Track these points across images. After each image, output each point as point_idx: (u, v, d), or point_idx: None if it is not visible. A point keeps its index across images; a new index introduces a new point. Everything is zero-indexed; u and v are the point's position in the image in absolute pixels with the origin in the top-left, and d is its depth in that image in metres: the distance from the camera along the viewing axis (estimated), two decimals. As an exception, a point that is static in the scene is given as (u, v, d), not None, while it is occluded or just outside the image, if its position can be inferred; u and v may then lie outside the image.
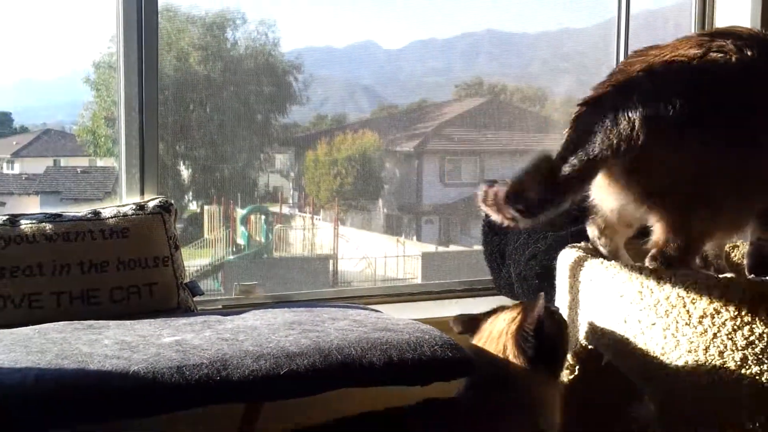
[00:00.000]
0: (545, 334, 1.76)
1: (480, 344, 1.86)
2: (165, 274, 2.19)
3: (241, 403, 1.91)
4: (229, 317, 1.95)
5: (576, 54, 3.74)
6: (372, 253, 3.76)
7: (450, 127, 3.89)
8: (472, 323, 1.91)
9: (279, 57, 3.34)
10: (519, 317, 1.81)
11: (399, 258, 3.80)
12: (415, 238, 3.85)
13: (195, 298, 2.27)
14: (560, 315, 1.94)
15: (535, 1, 3.49)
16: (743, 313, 1.65)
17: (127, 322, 1.93)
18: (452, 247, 3.83)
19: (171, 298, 2.19)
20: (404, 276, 3.72)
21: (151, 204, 2.29)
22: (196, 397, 1.52)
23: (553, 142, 3.82)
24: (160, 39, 2.84)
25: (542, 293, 1.78)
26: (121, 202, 2.37)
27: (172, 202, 2.34)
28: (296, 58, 3.37)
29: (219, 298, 2.57)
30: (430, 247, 3.87)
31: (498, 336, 1.82)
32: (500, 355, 1.79)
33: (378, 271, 3.76)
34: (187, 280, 2.26)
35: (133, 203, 2.30)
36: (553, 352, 1.81)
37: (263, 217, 3.71)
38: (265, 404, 1.97)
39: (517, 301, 2.13)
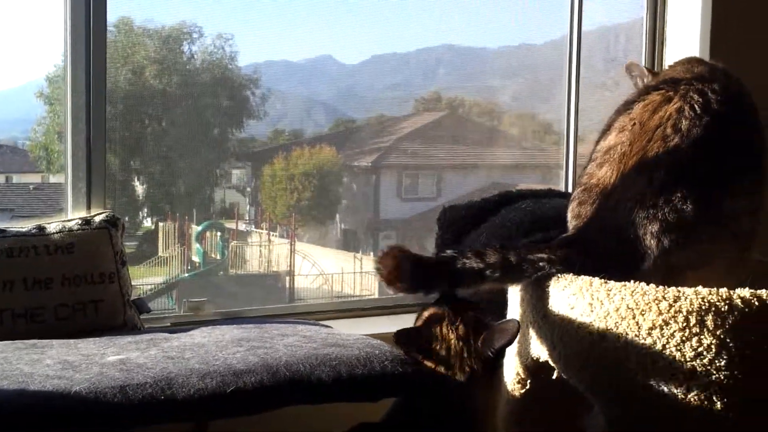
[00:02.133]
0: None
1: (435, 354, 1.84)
2: (111, 291, 2.14)
3: (187, 422, 1.87)
4: (175, 335, 1.92)
5: (532, 69, 3.77)
6: (329, 269, 3.73)
7: (408, 142, 3.89)
8: (415, 337, 1.88)
9: (236, 71, 3.32)
10: (472, 332, 1.81)
11: (356, 274, 3.78)
12: (372, 253, 3.84)
13: (143, 316, 2.23)
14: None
15: (492, 17, 3.51)
16: (691, 325, 1.65)
17: (72, 341, 1.89)
18: (410, 262, 3.81)
19: (117, 316, 2.15)
20: (361, 292, 3.70)
21: (97, 219, 2.25)
22: (139, 417, 1.49)
23: (510, 156, 3.87)
24: (115, 52, 2.81)
25: (516, 320, 1.83)
26: (68, 217, 2.33)
27: (119, 216, 2.29)
28: (253, 72, 3.36)
29: (167, 315, 2.53)
30: (388, 263, 3.85)
31: (459, 352, 1.81)
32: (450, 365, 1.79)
33: (335, 287, 3.74)
34: (134, 296, 2.22)
35: (79, 218, 2.25)
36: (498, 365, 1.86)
37: (219, 233, 3.68)
38: (212, 423, 1.93)
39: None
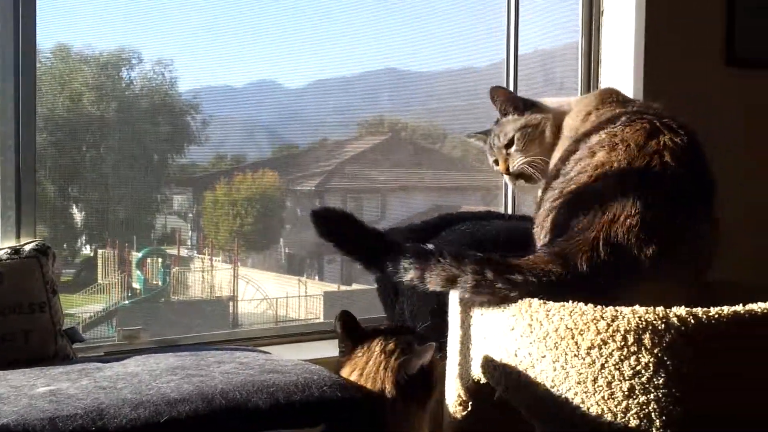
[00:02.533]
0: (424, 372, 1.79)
1: (356, 376, 1.83)
2: (42, 321, 2.09)
3: (121, 454, 1.83)
4: (108, 364, 1.88)
5: (474, 92, 3.80)
6: (273, 293, 3.71)
7: (351, 165, 3.89)
8: (354, 325, 1.92)
9: (176, 96, 3.29)
10: (398, 352, 1.82)
11: (301, 298, 3.75)
12: (317, 277, 3.82)
13: (76, 345, 2.18)
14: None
15: (434, 41, 3.54)
16: (629, 343, 1.67)
17: (0, 373, 1.83)
18: (355, 286, 3.81)
19: (48, 346, 2.09)
20: (306, 316, 3.68)
21: (27, 248, 2.19)
22: (70, 450, 1.45)
23: (452, 178, 3.90)
24: (52, 79, 2.76)
25: (434, 344, 1.80)
26: (-3, 247, 2.27)
27: (50, 245, 2.24)
28: (194, 98, 3.32)
29: (101, 344, 2.48)
30: (333, 287, 3.84)
31: (375, 371, 1.81)
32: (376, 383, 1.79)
33: (280, 312, 3.71)
34: (68, 326, 2.17)
35: (8, 247, 2.20)
36: (425, 385, 1.82)
37: (160, 259, 3.62)
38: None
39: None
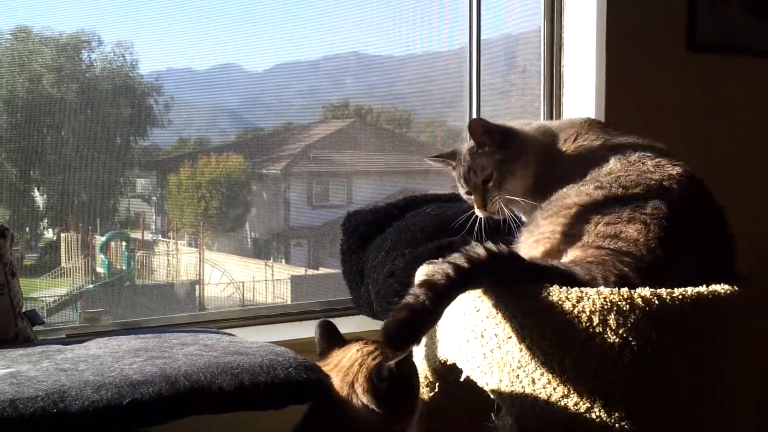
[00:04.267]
0: (401, 378, 1.64)
1: (326, 369, 1.73)
2: (1, 304, 2.06)
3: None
4: (69, 346, 1.86)
5: (440, 76, 3.81)
6: (240, 277, 3.69)
7: (317, 149, 3.87)
8: (331, 331, 1.81)
9: (138, 79, 3.25)
10: (378, 353, 1.69)
11: (268, 282, 3.74)
12: (284, 261, 3.80)
13: (37, 328, 2.15)
14: (413, 361, 1.78)
15: (399, 25, 3.53)
16: (595, 324, 1.68)
17: (-41, 356, 1.80)
18: (322, 270, 3.80)
19: (8, 329, 2.06)
20: (274, 300, 3.66)
21: (-17, 230, 2.15)
22: (31, 431, 1.43)
23: (419, 162, 3.90)
24: (12, 60, 2.72)
25: (412, 350, 1.68)
26: (-46, 229, 2.22)
27: (8, 227, 2.21)
28: (156, 80, 3.28)
29: (63, 327, 2.45)
30: (300, 270, 3.83)
31: (349, 365, 1.69)
32: (346, 387, 1.67)
33: (247, 296, 3.69)
34: (25, 308, 2.14)
35: (-33, 229, 2.15)
36: (404, 397, 1.69)
37: (124, 243, 3.58)
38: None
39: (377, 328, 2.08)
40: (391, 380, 1.61)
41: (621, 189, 1.93)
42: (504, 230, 2.14)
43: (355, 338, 1.78)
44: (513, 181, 2.14)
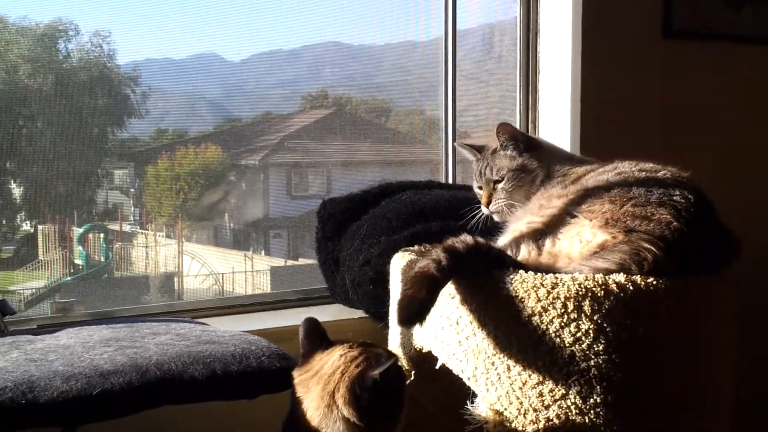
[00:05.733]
0: (386, 388, 1.56)
1: (307, 376, 1.63)
2: (-29, 295, 2.05)
3: (53, 427, 1.79)
4: (40, 337, 1.85)
5: (418, 66, 3.80)
6: (219, 268, 3.67)
7: (296, 140, 3.86)
8: (317, 331, 1.71)
9: (115, 69, 3.22)
10: (362, 359, 1.59)
11: (247, 273, 3.73)
12: (263, 252, 3.80)
13: (8, 319, 2.13)
14: (400, 367, 1.69)
15: (378, 14, 3.52)
16: (569, 310, 1.68)
17: (-72, 348, 1.78)
18: (302, 260, 3.80)
19: (-22, 320, 2.05)
20: (253, 291, 3.65)
21: (-44, 221, 2.14)
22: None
23: (398, 152, 3.90)
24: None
25: (394, 359, 1.57)
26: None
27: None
28: (133, 70, 3.26)
29: (34, 317, 2.43)
30: (279, 261, 3.82)
31: (331, 373, 1.60)
32: (327, 396, 1.57)
33: (226, 287, 3.68)
34: (-3, 300, 2.13)
35: (-63, 221, 2.14)
36: (388, 407, 1.60)
37: (102, 235, 3.57)
38: (82, 428, 1.86)
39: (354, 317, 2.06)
40: (374, 391, 1.53)
41: (644, 173, 1.95)
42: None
43: (340, 340, 1.69)
44: (521, 189, 2.21)
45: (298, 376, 1.64)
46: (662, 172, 1.96)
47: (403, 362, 2.03)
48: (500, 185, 2.22)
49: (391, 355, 1.60)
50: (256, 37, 3.43)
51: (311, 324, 1.71)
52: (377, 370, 1.53)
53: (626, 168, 2.00)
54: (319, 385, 1.58)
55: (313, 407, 1.57)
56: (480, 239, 1.82)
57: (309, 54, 3.80)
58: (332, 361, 1.61)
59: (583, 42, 3.01)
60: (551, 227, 1.90)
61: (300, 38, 3.59)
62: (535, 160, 2.22)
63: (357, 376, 1.55)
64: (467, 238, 1.80)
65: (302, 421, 1.58)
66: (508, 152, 2.24)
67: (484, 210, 2.26)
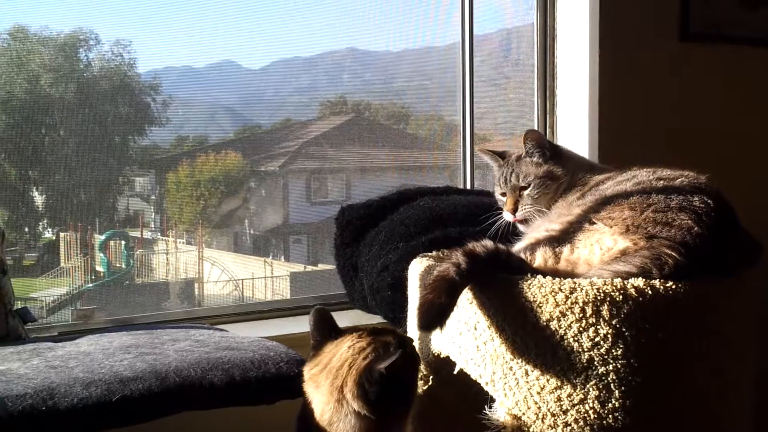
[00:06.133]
0: (395, 379, 1.55)
1: (317, 370, 1.63)
2: (-8, 302, 2.06)
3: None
4: (61, 344, 1.87)
5: (437, 72, 3.80)
6: (239, 274, 3.69)
7: (315, 146, 3.87)
8: (328, 321, 1.71)
9: (135, 77, 3.25)
10: (369, 350, 1.59)
11: (267, 279, 3.74)
12: (283, 258, 3.81)
13: (29, 326, 2.15)
14: (415, 352, 1.73)
15: (395, 20, 3.53)
16: (588, 315, 1.68)
17: (-49, 355, 1.81)
18: (321, 266, 3.80)
19: (-1, 327, 2.07)
20: (273, 297, 3.66)
21: (-25, 229, 2.16)
22: (20, 429, 1.44)
23: (418, 157, 3.90)
24: (9, 61, 2.73)
25: (401, 351, 1.57)
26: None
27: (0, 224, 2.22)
28: (154, 79, 3.29)
29: (55, 325, 2.45)
30: (299, 267, 3.83)
31: (339, 366, 1.60)
32: (336, 391, 1.57)
33: (246, 293, 3.69)
34: (17, 306, 2.14)
35: (-42, 229, 2.16)
36: (398, 397, 1.61)
37: (123, 242, 3.59)
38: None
39: (373, 322, 2.05)
40: (383, 384, 1.53)
41: (662, 182, 1.94)
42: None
43: (349, 328, 1.70)
44: (546, 197, 2.20)
45: (309, 371, 1.65)
46: (680, 180, 1.95)
47: (422, 367, 2.03)
48: (526, 192, 2.21)
49: (400, 344, 1.61)
50: (274, 45, 3.45)
51: (320, 314, 1.72)
52: (384, 363, 1.53)
53: (644, 175, 2.00)
54: (328, 380, 1.59)
55: (323, 402, 1.58)
56: (501, 245, 1.82)
57: (327, 61, 3.82)
58: (341, 353, 1.61)
59: (600, 46, 3.01)
60: (569, 234, 1.89)
61: (318, 45, 3.61)
62: (560, 168, 2.21)
63: (364, 370, 1.55)
64: (488, 243, 1.80)
65: (314, 417, 1.59)
66: (534, 159, 2.24)
67: (508, 216, 2.24)
